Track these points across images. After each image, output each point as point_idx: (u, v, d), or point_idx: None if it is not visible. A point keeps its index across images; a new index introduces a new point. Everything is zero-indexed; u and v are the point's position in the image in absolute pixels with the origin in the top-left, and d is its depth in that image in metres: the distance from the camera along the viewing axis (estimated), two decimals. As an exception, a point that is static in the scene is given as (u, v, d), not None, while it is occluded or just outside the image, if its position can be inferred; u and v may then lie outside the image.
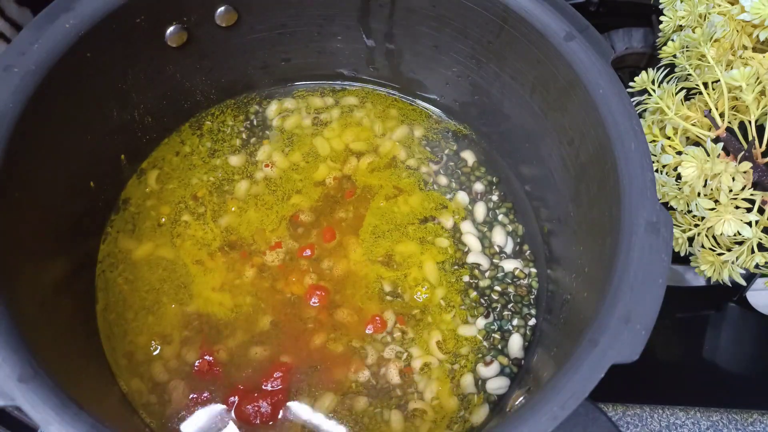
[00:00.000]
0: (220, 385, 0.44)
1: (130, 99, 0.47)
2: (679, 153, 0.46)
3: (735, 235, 0.43)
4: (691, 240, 0.47)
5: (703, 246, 0.46)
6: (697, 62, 0.46)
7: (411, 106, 0.56)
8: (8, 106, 0.36)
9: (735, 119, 0.46)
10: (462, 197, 0.52)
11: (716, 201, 0.43)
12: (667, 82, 0.48)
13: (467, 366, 0.46)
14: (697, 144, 0.46)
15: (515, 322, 0.48)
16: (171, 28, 0.46)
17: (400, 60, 0.53)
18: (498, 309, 0.48)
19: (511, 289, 0.49)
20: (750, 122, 0.44)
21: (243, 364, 0.45)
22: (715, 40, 0.46)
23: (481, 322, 0.47)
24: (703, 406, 0.53)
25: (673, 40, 0.48)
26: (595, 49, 0.40)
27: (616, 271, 0.34)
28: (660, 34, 0.51)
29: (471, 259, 0.49)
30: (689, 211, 0.45)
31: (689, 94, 0.48)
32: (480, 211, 0.52)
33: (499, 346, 0.47)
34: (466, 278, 0.49)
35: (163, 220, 0.49)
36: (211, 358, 0.44)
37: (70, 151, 0.43)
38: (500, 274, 0.49)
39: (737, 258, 0.45)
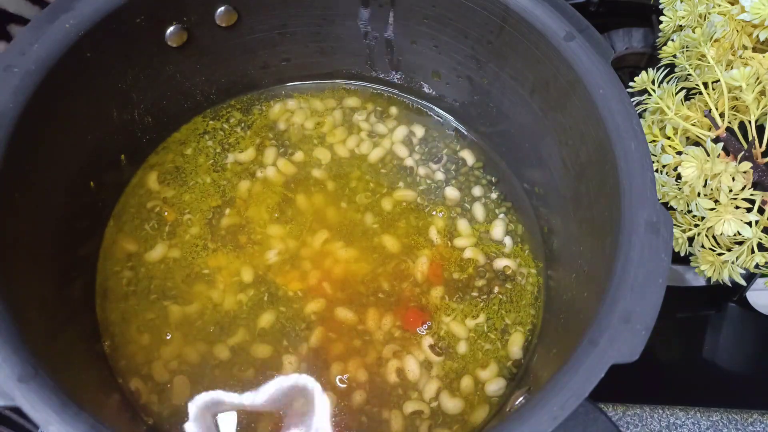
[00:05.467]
0: (221, 385, 0.44)
1: (130, 99, 0.47)
2: (679, 153, 0.46)
3: (735, 235, 0.43)
4: (691, 240, 0.47)
5: (703, 246, 0.46)
6: (697, 62, 0.46)
7: (411, 106, 0.56)
8: (8, 106, 0.36)
9: (735, 119, 0.46)
10: (461, 197, 0.52)
11: (716, 201, 0.43)
12: (667, 82, 0.48)
13: (467, 366, 0.46)
14: (697, 144, 0.46)
15: (514, 321, 0.48)
16: (171, 28, 0.46)
17: (400, 60, 0.53)
18: (497, 309, 0.48)
19: (510, 288, 0.49)
20: (750, 122, 0.44)
21: (244, 364, 0.45)
22: (715, 40, 0.46)
23: (480, 321, 0.47)
24: (703, 406, 0.53)
25: (673, 40, 0.48)
26: (595, 49, 0.40)
27: (616, 271, 0.34)
28: (660, 34, 0.51)
29: (470, 258, 0.49)
30: (689, 211, 0.45)
31: (689, 94, 0.48)
32: (479, 210, 0.52)
33: (499, 346, 0.47)
34: (465, 278, 0.49)
35: (163, 220, 0.49)
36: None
37: (70, 151, 0.43)
38: (500, 274, 0.49)
39: (737, 258, 0.45)
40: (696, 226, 0.46)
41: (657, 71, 0.48)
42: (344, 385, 0.44)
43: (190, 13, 0.46)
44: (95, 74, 0.42)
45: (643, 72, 0.48)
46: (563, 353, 0.36)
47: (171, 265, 0.48)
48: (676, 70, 0.48)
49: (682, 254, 0.48)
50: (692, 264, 0.48)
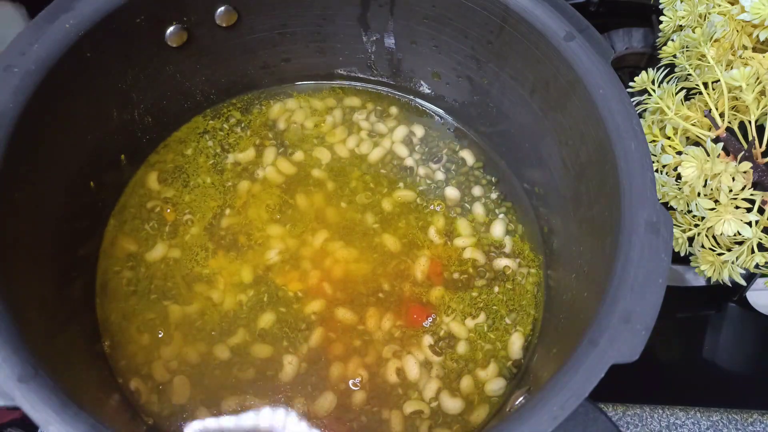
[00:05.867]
0: (221, 386, 0.44)
1: (130, 99, 0.47)
2: (679, 153, 0.46)
3: (735, 235, 0.43)
4: (691, 240, 0.47)
5: (703, 246, 0.46)
6: (697, 62, 0.46)
7: (411, 106, 0.56)
8: (8, 106, 0.36)
9: (735, 119, 0.46)
10: (461, 197, 0.52)
11: (716, 201, 0.43)
12: (667, 82, 0.48)
13: (467, 366, 0.46)
14: (697, 144, 0.46)
15: (514, 321, 0.48)
16: (171, 28, 0.46)
17: (400, 60, 0.53)
18: (497, 309, 0.48)
19: (510, 288, 0.49)
20: (750, 122, 0.44)
21: (245, 364, 0.45)
22: (715, 40, 0.46)
23: (480, 321, 0.47)
24: (703, 406, 0.53)
25: (673, 40, 0.48)
26: (595, 49, 0.40)
27: (616, 271, 0.34)
28: (660, 34, 0.51)
29: (470, 258, 0.49)
30: (689, 211, 0.45)
31: (689, 94, 0.48)
32: (479, 210, 0.52)
33: (499, 346, 0.47)
34: (465, 278, 0.49)
35: (163, 220, 0.49)
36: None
37: (70, 151, 0.43)
38: (500, 274, 0.49)
39: (737, 258, 0.45)
40: (696, 226, 0.46)
41: (657, 71, 0.47)
42: (343, 386, 0.44)
43: (190, 13, 0.46)
44: (95, 74, 0.42)
45: (643, 72, 0.48)
46: (563, 353, 0.36)
47: (171, 265, 0.48)
48: (676, 70, 0.48)
49: (682, 254, 0.48)
50: (692, 264, 0.48)
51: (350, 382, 0.45)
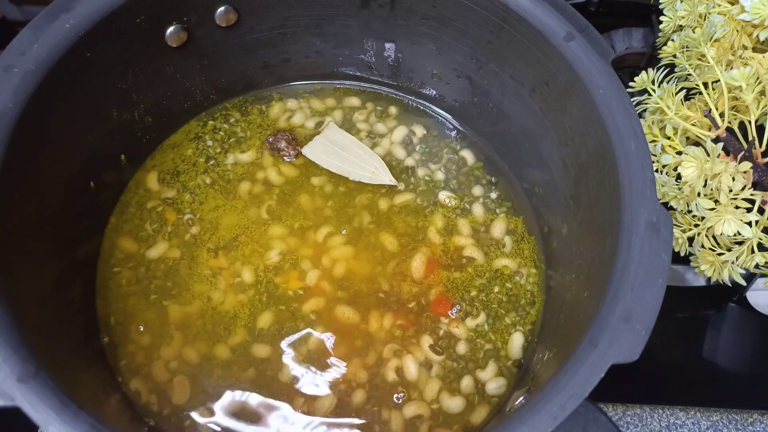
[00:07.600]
0: (221, 386, 0.44)
1: (130, 99, 0.47)
2: (679, 153, 0.46)
3: (735, 235, 0.43)
4: (691, 240, 0.47)
5: (703, 246, 0.46)
6: (697, 62, 0.46)
7: (411, 106, 0.56)
8: (8, 106, 0.36)
9: (735, 119, 0.46)
10: (461, 196, 0.52)
11: (716, 201, 0.43)
12: (667, 82, 0.48)
13: (466, 366, 0.46)
14: (697, 144, 0.46)
15: (514, 321, 0.48)
16: (171, 28, 0.46)
17: (400, 60, 0.53)
18: (497, 309, 0.48)
19: (510, 288, 0.49)
20: (750, 122, 0.44)
21: (244, 363, 0.45)
22: (715, 40, 0.46)
23: (480, 321, 0.47)
24: (703, 406, 0.53)
25: (673, 40, 0.48)
26: (595, 49, 0.40)
27: (616, 271, 0.34)
28: (660, 34, 0.51)
29: (470, 258, 0.49)
30: (689, 211, 0.45)
31: (689, 94, 0.48)
32: (479, 210, 0.52)
33: (499, 346, 0.47)
34: (465, 277, 0.49)
35: (163, 220, 0.49)
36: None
37: (70, 151, 0.43)
38: (500, 274, 0.49)
39: (737, 258, 0.45)
40: (696, 226, 0.46)
41: (657, 71, 0.47)
42: (344, 385, 0.44)
43: (190, 13, 0.46)
44: (95, 74, 0.42)
45: (643, 72, 0.48)
46: (563, 353, 0.36)
47: (171, 265, 0.48)
48: (676, 70, 0.48)
49: (682, 254, 0.48)
50: (692, 264, 0.48)
51: (394, 396, 0.44)
